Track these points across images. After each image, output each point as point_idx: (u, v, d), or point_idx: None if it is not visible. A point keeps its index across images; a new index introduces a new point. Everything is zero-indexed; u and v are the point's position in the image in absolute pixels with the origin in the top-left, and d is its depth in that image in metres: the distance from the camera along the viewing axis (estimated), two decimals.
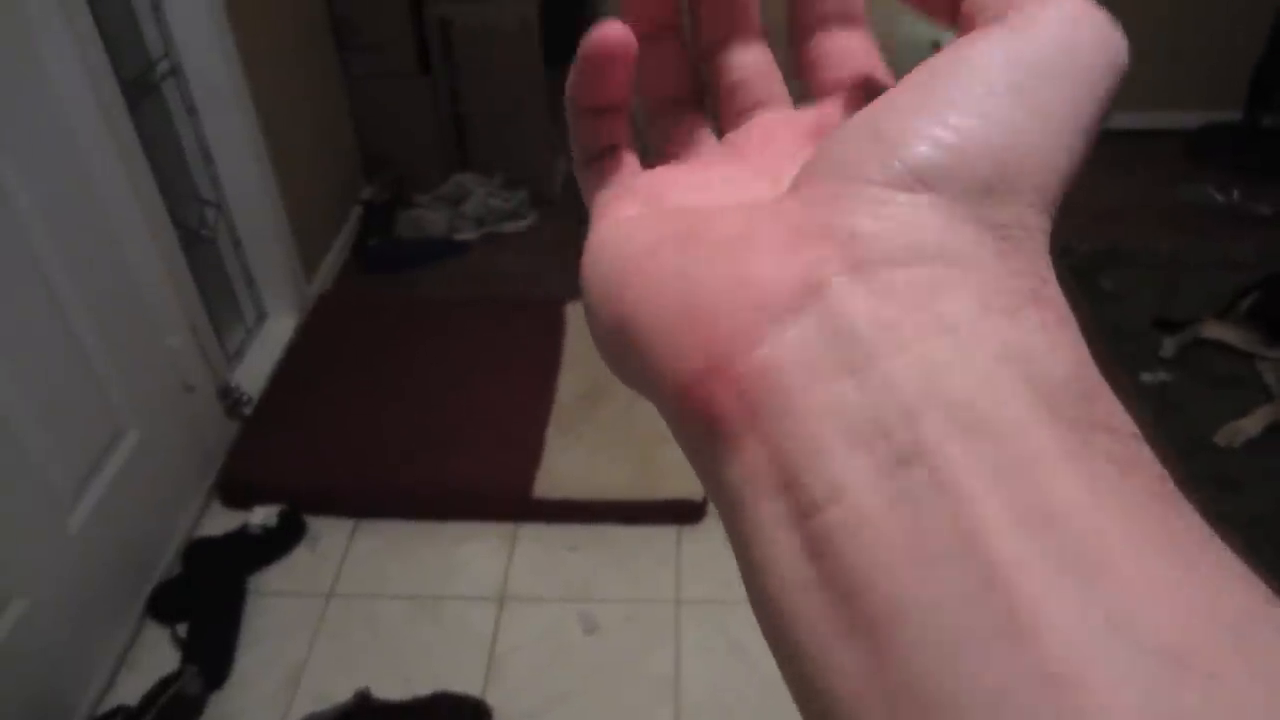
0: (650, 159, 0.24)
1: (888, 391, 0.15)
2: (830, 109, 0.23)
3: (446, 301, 2.41)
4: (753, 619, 0.16)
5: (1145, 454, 0.15)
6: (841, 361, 0.15)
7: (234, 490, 1.86)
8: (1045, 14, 0.18)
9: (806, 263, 0.17)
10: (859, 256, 0.16)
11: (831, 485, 0.15)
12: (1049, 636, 0.12)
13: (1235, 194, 2.74)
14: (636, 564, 1.75)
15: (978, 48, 0.18)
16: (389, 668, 1.58)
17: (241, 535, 1.77)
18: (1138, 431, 0.15)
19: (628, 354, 0.19)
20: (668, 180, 0.22)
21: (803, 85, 0.24)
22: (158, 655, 1.60)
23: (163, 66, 1.90)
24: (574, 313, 2.19)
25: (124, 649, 1.61)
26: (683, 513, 1.79)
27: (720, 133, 0.24)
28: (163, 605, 1.67)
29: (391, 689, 1.52)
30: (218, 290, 2.12)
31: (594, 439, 1.90)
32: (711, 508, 1.77)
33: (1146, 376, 2.09)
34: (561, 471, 1.84)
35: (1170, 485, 0.15)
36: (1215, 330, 2.15)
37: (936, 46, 0.19)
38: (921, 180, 0.17)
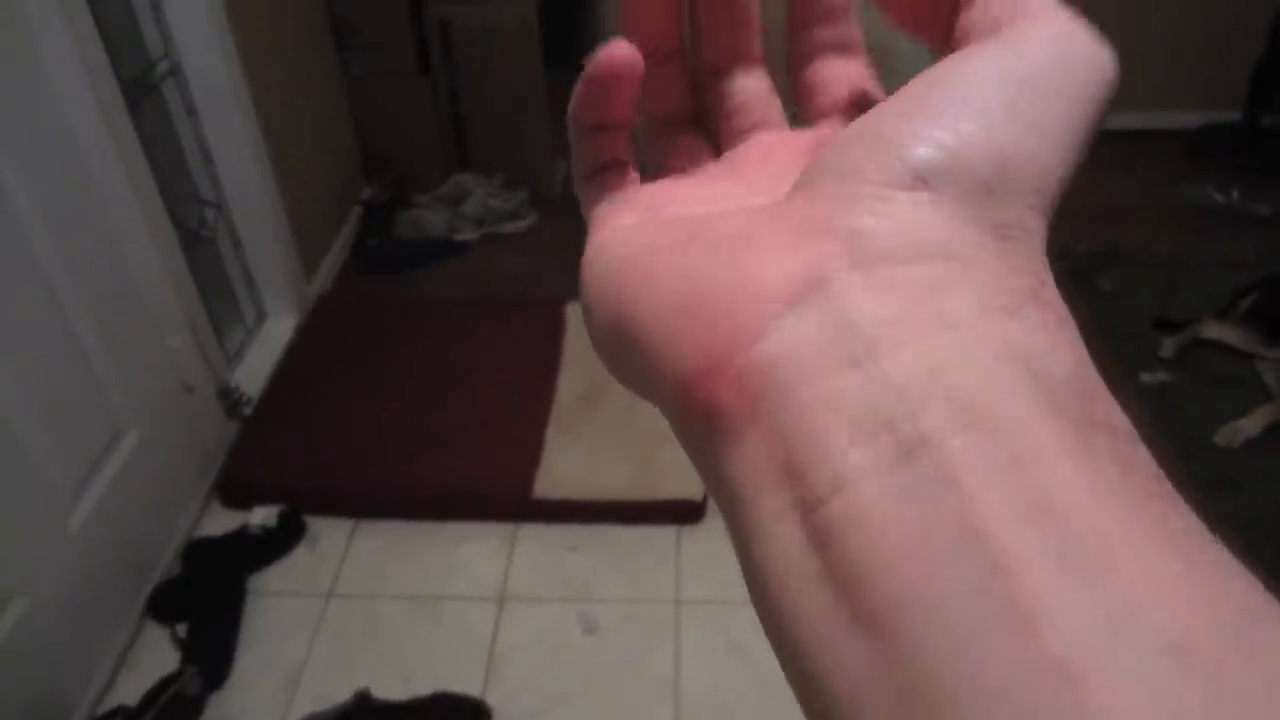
0: (649, 176, 0.24)
1: (891, 385, 0.15)
2: (827, 130, 0.23)
3: (446, 302, 2.41)
4: (753, 619, 0.16)
5: (1143, 454, 0.15)
6: (844, 355, 0.16)
7: (234, 490, 1.86)
8: (1038, 32, 0.18)
9: (807, 259, 0.17)
10: (860, 253, 0.16)
11: (835, 478, 0.15)
12: (1051, 633, 0.12)
13: (1235, 194, 2.74)
14: (636, 564, 1.75)
15: (974, 60, 0.18)
16: (389, 668, 1.58)
17: (241, 535, 1.77)
18: (1135, 432, 0.15)
19: (628, 354, 0.19)
20: (667, 193, 0.23)
21: (800, 110, 0.24)
22: (158, 655, 1.60)
23: (163, 66, 1.90)
24: (574, 313, 2.19)
25: (124, 649, 1.61)
26: (682, 513, 1.79)
27: (718, 152, 0.25)
28: (163, 605, 1.67)
29: (391, 689, 1.52)
30: (217, 290, 2.12)
31: (594, 439, 1.90)
32: (712, 507, 1.77)
33: (1146, 377, 2.09)
34: (561, 472, 1.84)
35: (1168, 485, 0.15)
36: (1215, 330, 2.15)
37: (938, 56, 0.19)
38: (922, 180, 0.17)
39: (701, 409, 0.17)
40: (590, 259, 0.21)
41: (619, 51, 0.21)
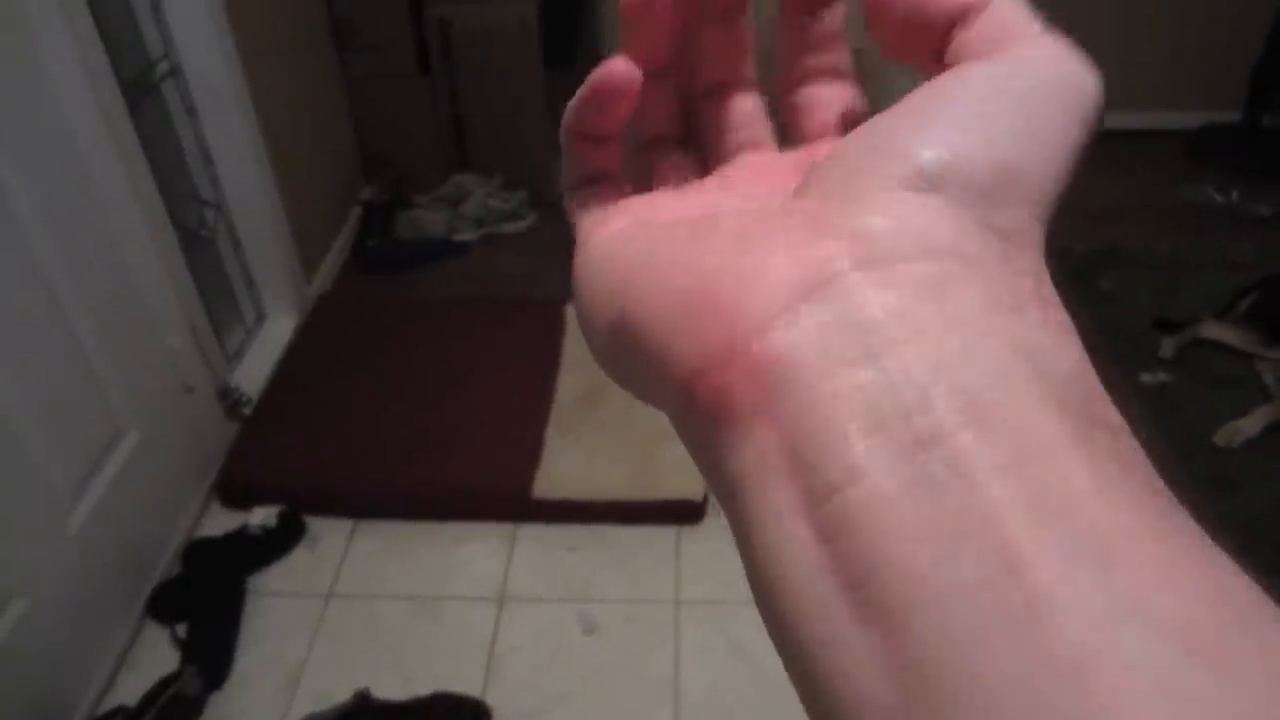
0: (638, 190, 0.24)
1: (901, 379, 0.15)
2: (817, 150, 0.24)
3: (446, 302, 2.41)
4: (753, 619, 0.16)
5: (1140, 453, 0.16)
6: (855, 349, 0.16)
7: (233, 491, 1.86)
8: (1031, 54, 0.19)
9: (816, 256, 0.17)
10: (868, 251, 0.17)
11: (848, 468, 0.15)
12: (1064, 622, 0.13)
13: (1234, 194, 2.74)
14: (636, 564, 1.75)
15: (973, 74, 0.19)
16: (389, 668, 1.58)
17: (241, 536, 1.77)
18: (1130, 431, 0.16)
19: (630, 353, 0.19)
20: (659, 204, 0.23)
21: (789, 132, 0.25)
22: (157, 655, 1.60)
23: (162, 67, 1.90)
24: (574, 313, 2.19)
25: (124, 649, 1.61)
26: (682, 513, 1.79)
27: (704, 172, 0.25)
28: (162, 605, 1.67)
29: (391, 689, 1.52)
30: (217, 291, 2.12)
31: (593, 439, 1.90)
32: (712, 507, 1.78)
33: (1146, 377, 2.09)
34: (561, 472, 1.84)
35: (1162, 484, 0.15)
36: (1214, 330, 2.15)
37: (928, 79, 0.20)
38: (929, 182, 0.17)
39: (709, 401, 0.17)
40: (585, 263, 0.22)
41: (620, 67, 0.21)
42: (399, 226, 2.65)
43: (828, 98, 0.24)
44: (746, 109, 0.25)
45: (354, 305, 2.41)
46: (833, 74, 0.25)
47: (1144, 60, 2.83)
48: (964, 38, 0.20)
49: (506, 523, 1.82)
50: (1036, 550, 0.13)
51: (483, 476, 1.85)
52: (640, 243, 0.20)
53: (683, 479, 1.79)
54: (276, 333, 2.25)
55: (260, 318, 2.28)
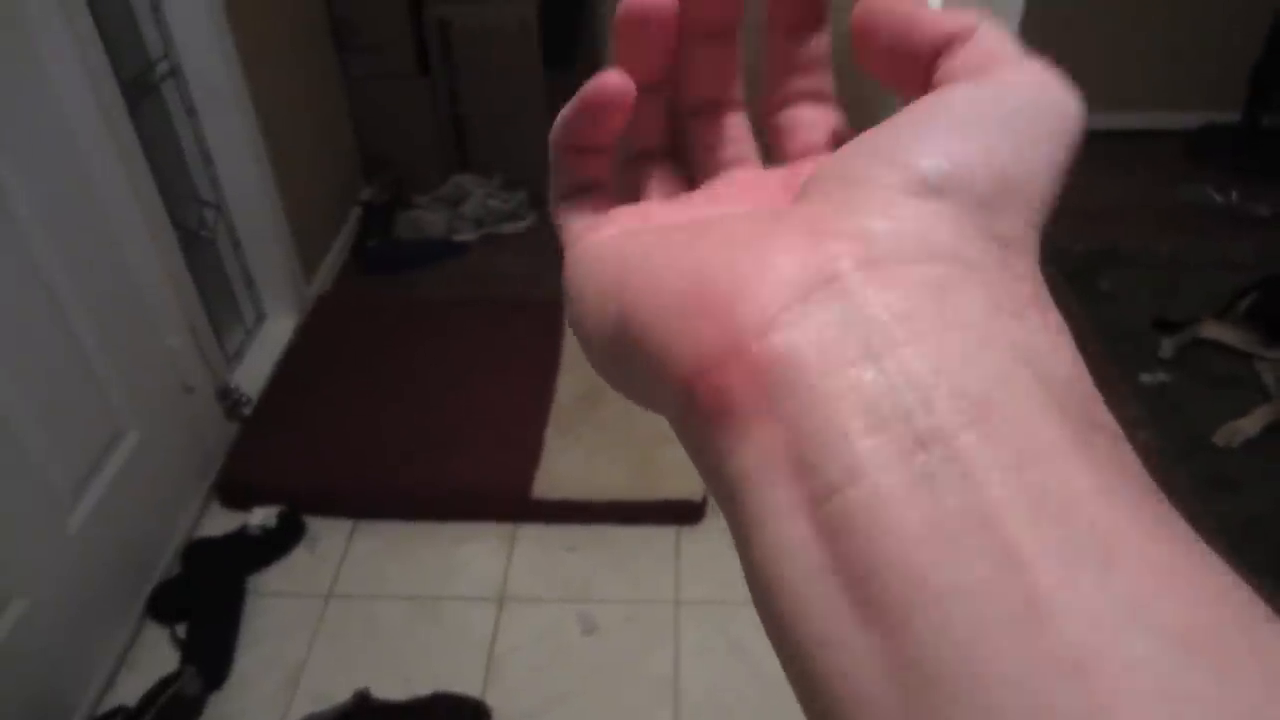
0: (624, 203, 0.25)
1: (903, 379, 0.15)
2: (801, 168, 0.24)
3: (446, 302, 2.41)
4: (753, 619, 0.16)
5: (1135, 457, 0.16)
6: (856, 349, 0.16)
7: (233, 491, 1.86)
8: (1017, 77, 0.19)
9: (818, 256, 0.17)
10: (870, 252, 0.17)
11: (849, 467, 0.15)
12: (1064, 623, 0.13)
13: (1234, 194, 2.74)
14: (636, 564, 1.75)
15: (965, 92, 0.19)
16: (388, 668, 1.58)
17: (241, 536, 1.77)
18: (1125, 436, 0.16)
19: (629, 355, 0.19)
20: (649, 214, 0.23)
21: (773, 152, 0.26)
22: (157, 655, 1.60)
23: (162, 67, 1.90)
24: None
25: (124, 649, 1.61)
26: (682, 513, 1.79)
27: (690, 186, 0.26)
28: (162, 605, 1.67)
29: (391, 689, 1.52)
30: (217, 291, 2.12)
31: (593, 439, 1.90)
32: (712, 507, 1.77)
33: (1145, 377, 2.09)
34: (560, 472, 1.84)
35: (1156, 487, 0.15)
36: (1214, 331, 2.15)
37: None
38: (930, 187, 0.17)
39: (709, 401, 0.17)
40: (576, 265, 0.22)
41: (614, 80, 0.21)
42: (399, 227, 2.65)
43: (810, 120, 0.25)
44: (734, 127, 0.25)
45: (354, 305, 2.41)
46: (816, 97, 0.25)
47: (1144, 60, 2.83)
48: (949, 65, 0.20)
49: (506, 523, 1.82)
50: (1037, 551, 0.13)
51: (482, 476, 1.85)
52: (634, 245, 0.20)
53: (682, 479, 1.79)
54: (276, 333, 2.25)
55: (260, 318, 2.28)
